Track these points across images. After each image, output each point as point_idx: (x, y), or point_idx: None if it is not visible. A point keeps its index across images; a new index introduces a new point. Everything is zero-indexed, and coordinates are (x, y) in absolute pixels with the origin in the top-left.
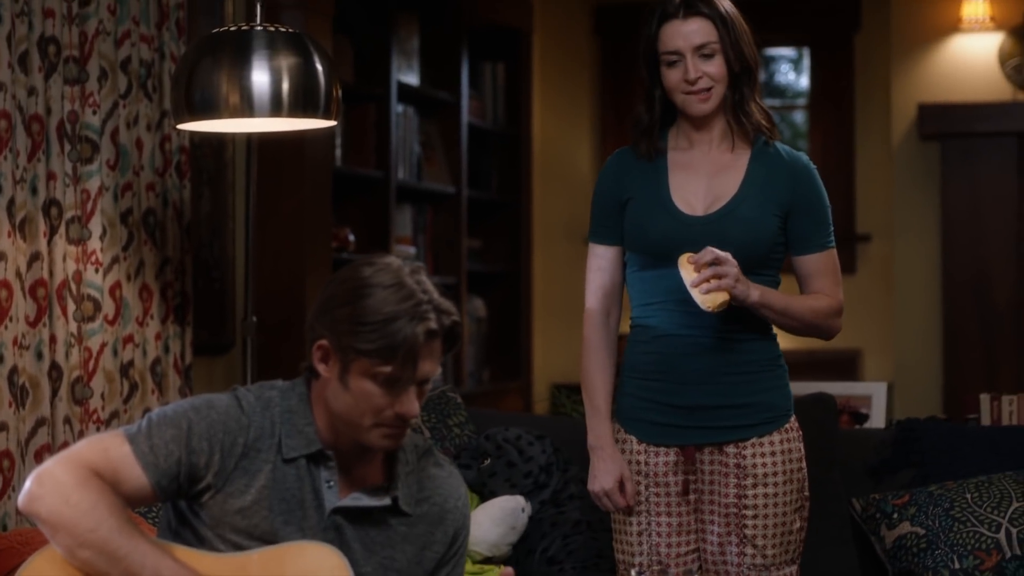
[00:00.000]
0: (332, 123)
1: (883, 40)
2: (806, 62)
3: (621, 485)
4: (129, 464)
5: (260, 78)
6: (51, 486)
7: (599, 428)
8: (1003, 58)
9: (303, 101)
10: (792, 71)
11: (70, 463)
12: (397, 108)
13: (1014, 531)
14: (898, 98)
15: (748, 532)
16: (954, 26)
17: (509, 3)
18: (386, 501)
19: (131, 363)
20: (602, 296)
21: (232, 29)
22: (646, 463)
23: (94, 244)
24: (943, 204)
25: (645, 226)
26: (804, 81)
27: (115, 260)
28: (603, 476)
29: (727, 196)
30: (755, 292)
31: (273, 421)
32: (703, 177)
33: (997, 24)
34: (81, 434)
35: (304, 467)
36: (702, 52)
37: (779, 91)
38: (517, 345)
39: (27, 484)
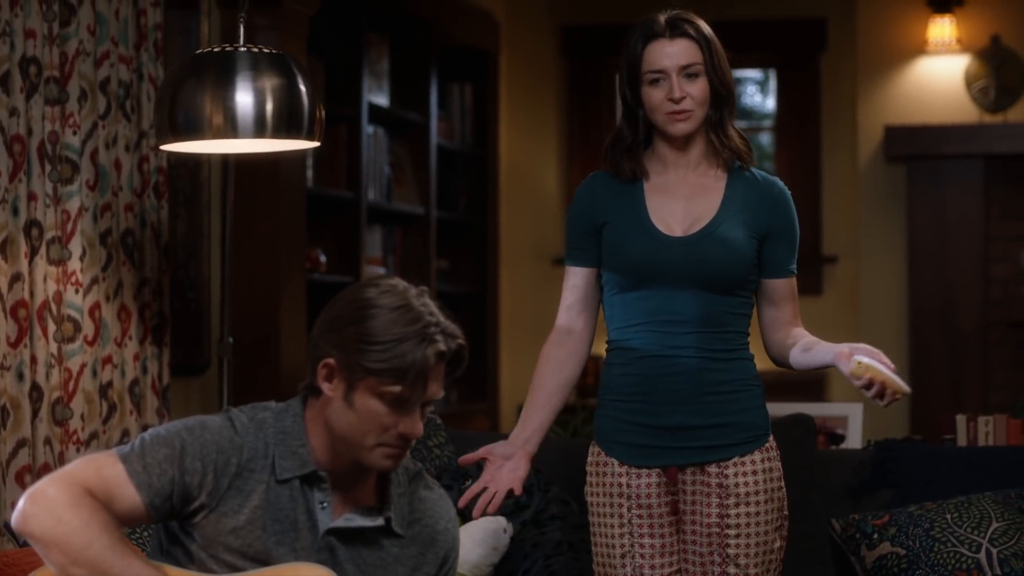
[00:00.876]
0: (315, 144)
1: (849, 62)
2: (772, 84)
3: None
4: (122, 483)
5: (244, 99)
6: (44, 505)
7: (515, 437)
8: (969, 80)
9: (286, 122)
10: (758, 93)
11: (63, 482)
12: (368, 129)
13: (995, 551)
14: (864, 120)
15: (731, 551)
16: (920, 48)
17: (476, 24)
18: (379, 522)
19: (110, 384)
20: (567, 311)
21: (216, 50)
22: (628, 485)
23: (74, 265)
24: (909, 226)
25: (624, 248)
26: (770, 103)
27: (94, 281)
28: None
29: (706, 217)
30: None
31: (267, 442)
32: (680, 199)
33: (963, 47)
34: (62, 455)
35: (298, 488)
36: (687, 72)
37: (745, 113)
38: (484, 366)
39: (20, 503)
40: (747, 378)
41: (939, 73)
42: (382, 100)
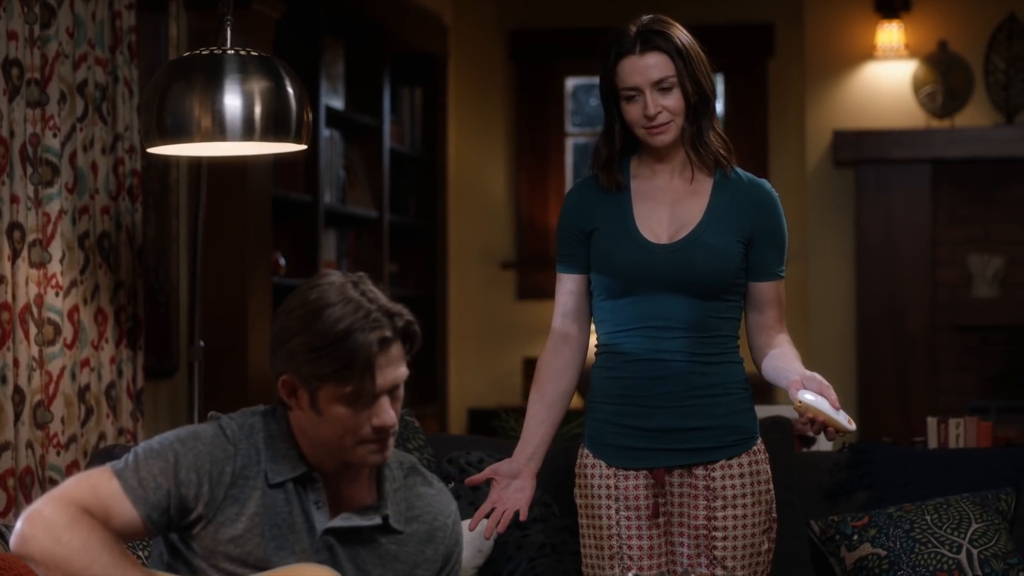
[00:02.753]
0: (303, 147)
1: (797, 66)
2: (720, 88)
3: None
4: (118, 499)
5: (232, 102)
6: (42, 526)
7: (519, 453)
8: (917, 86)
9: (275, 125)
10: None
11: (59, 502)
12: (324, 132)
13: (975, 552)
14: (812, 124)
15: (718, 554)
16: (869, 53)
17: (426, 28)
18: (376, 520)
19: (87, 387)
20: (562, 319)
21: (204, 53)
22: (616, 487)
23: (54, 267)
24: (857, 230)
25: (612, 255)
26: (718, 107)
27: (73, 284)
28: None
29: (691, 224)
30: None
31: (257, 447)
32: (666, 206)
33: (911, 52)
34: (43, 459)
35: (292, 491)
36: (660, 86)
37: None
38: (433, 369)
39: (17, 525)
40: (735, 381)
41: (887, 78)
42: (338, 103)
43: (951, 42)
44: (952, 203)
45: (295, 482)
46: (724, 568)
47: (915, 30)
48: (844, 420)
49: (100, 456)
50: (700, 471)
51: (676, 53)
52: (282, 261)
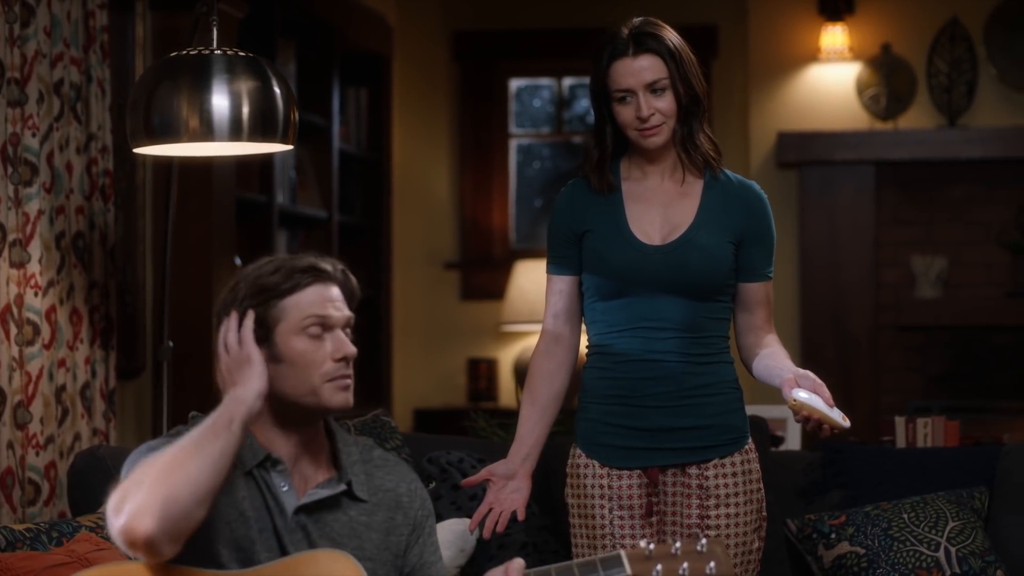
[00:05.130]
0: (289, 147)
1: (741, 68)
2: None
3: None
4: None
5: (220, 102)
6: (128, 508)
7: (514, 454)
8: (861, 88)
9: (262, 125)
10: None
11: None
12: None
13: (953, 550)
14: (756, 126)
15: None
16: (812, 56)
17: (370, 28)
18: (340, 487)
19: (64, 387)
20: (554, 320)
21: (192, 53)
22: (609, 487)
23: (33, 267)
24: (801, 231)
25: (606, 257)
26: None
27: (51, 284)
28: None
29: (684, 225)
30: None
31: None
32: (658, 207)
33: (855, 55)
34: (23, 459)
35: (259, 476)
36: (653, 88)
37: None
38: (378, 369)
39: (116, 528)
40: (727, 381)
41: (831, 80)
42: None
43: (894, 45)
44: (895, 204)
45: (259, 467)
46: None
47: (859, 33)
48: (839, 417)
49: (84, 457)
50: (693, 470)
51: (668, 55)
52: (238, 261)
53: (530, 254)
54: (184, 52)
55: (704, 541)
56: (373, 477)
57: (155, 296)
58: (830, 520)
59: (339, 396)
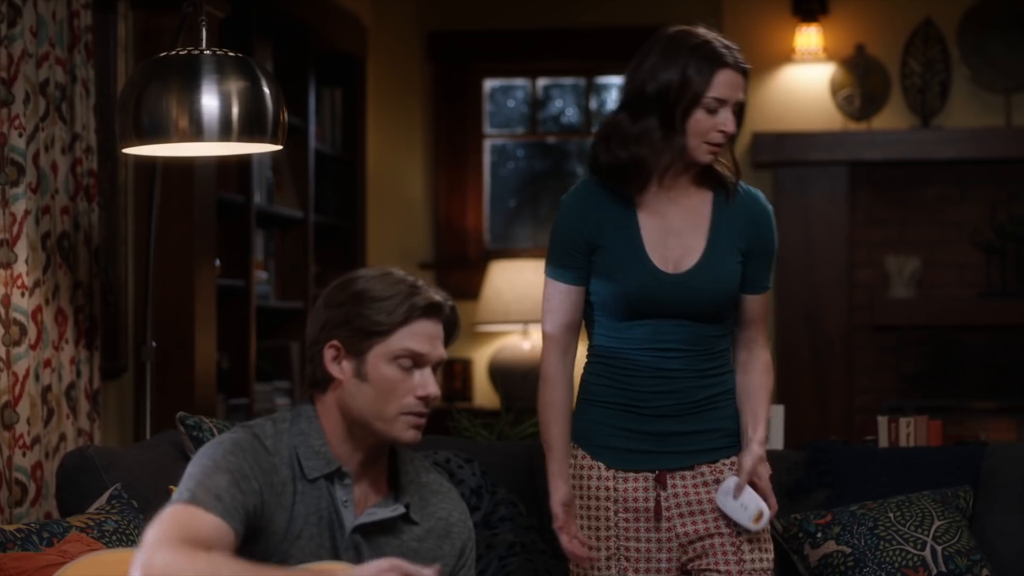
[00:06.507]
0: (279, 147)
1: None
2: None
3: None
4: (206, 521)
5: (210, 102)
6: (163, 571)
7: (555, 465)
8: (835, 88)
9: (251, 125)
10: None
11: (162, 546)
12: None
13: (939, 548)
14: None
15: (743, 537)
16: (787, 56)
17: (345, 29)
18: (400, 509)
19: (49, 387)
20: (564, 329)
21: (181, 53)
22: (615, 488)
23: (20, 268)
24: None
25: (619, 279)
26: None
27: (37, 284)
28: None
29: (697, 250)
30: (762, 449)
31: (292, 448)
32: (672, 226)
33: (829, 55)
34: (10, 460)
35: (324, 487)
36: (735, 107)
37: None
38: None
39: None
40: (728, 389)
41: (805, 81)
42: None
43: (868, 46)
44: (869, 205)
45: (327, 479)
46: (751, 552)
47: (833, 34)
48: (747, 519)
49: (73, 457)
50: (705, 468)
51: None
52: (217, 262)
53: (504, 254)
54: (173, 52)
55: None
56: (428, 503)
57: (137, 296)
58: (816, 519)
59: (410, 433)
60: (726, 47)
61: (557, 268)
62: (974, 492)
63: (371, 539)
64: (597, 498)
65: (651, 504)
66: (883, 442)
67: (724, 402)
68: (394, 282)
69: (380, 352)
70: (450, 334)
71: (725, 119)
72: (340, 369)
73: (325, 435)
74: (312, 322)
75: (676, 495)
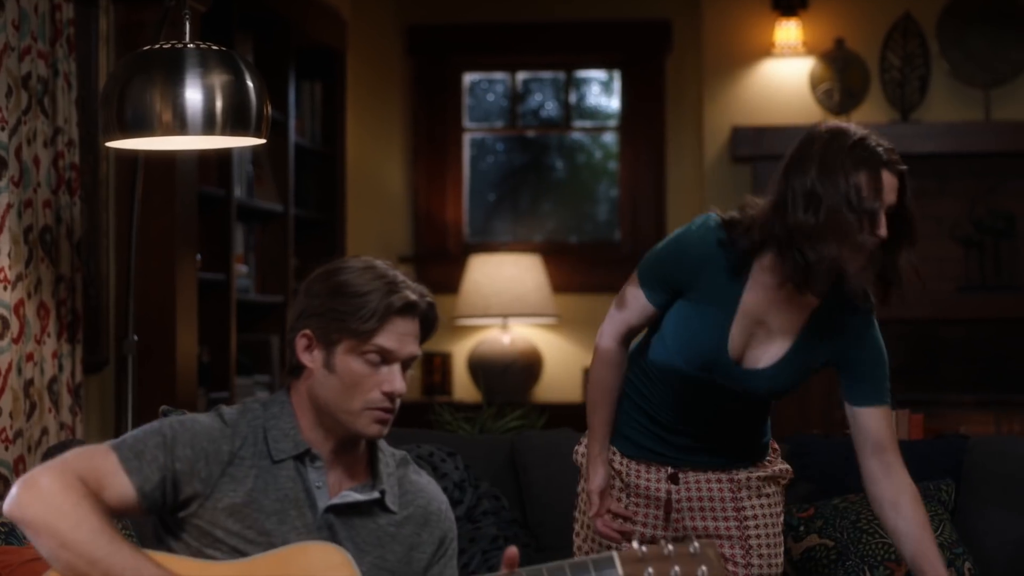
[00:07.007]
0: (262, 141)
1: (695, 63)
2: (617, 84)
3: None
4: (113, 470)
5: (193, 96)
6: (36, 491)
7: (595, 448)
8: (814, 83)
9: (235, 119)
10: (603, 93)
11: (55, 470)
12: None
13: None
14: (710, 121)
15: (752, 542)
16: (766, 50)
17: (325, 22)
18: (374, 495)
19: (31, 381)
20: (628, 326)
21: (165, 47)
22: (627, 474)
23: (2, 261)
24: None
25: (692, 346)
26: (615, 103)
27: (19, 277)
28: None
29: (781, 349)
30: None
31: (257, 428)
32: (767, 324)
33: (808, 49)
34: None
35: (293, 468)
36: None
37: (589, 113)
38: None
39: (13, 490)
40: (766, 441)
41: (785, 75)
42: None
43: (848, 40)
44: None
45: (297, 459)
46: (759, 557)
47: (812, 28)
48: None
49: (55, 451)
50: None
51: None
52: (198, 256)
53: (484, 248)
54: (157, 46)
55: (697, 544)
56: (406, 492)
57: (119, 290)
58: (799, 513)
59: (374, 428)
60: (888, 148)
61: (648, 284)
62: (956, 485)
63: (346, 520)
64: (610, 485)
65: (663, 496)
66: None
67: (751, 442)
68: (374, 277)
69: (349, 346)
70: (427, 331)
71: (879, 224)
72: (311, 358)
73: (296, 420)
74: (293, 308)
75: (688, 489)
